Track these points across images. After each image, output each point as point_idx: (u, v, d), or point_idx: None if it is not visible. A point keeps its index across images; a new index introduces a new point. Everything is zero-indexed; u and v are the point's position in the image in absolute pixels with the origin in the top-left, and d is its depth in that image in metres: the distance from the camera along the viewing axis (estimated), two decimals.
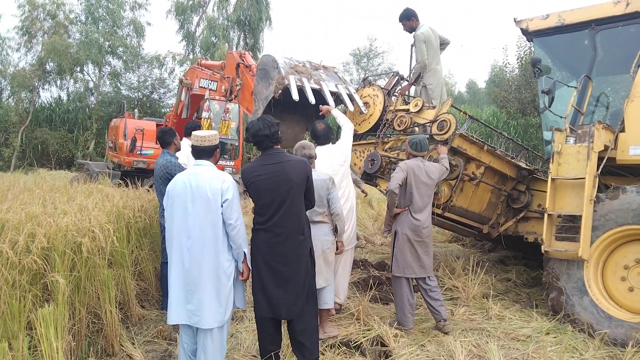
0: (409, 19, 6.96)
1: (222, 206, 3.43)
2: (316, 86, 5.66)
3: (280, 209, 3.58)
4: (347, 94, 5.96)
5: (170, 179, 4.91)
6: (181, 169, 5.06)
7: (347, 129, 5.26)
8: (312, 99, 5.45)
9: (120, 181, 7.74)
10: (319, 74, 5.94)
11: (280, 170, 3.61)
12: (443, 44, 7.10)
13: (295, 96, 5.34)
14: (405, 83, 6.88)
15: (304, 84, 5.50)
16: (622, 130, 5.25)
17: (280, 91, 5.43)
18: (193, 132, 3.66)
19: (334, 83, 5.92)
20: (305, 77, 5.63)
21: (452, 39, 7.25)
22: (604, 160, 5.06)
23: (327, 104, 5.66)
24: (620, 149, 5.21)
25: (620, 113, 5.37)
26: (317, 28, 70.97)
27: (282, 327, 3.82)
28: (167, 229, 3.59)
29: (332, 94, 5.79)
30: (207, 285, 3.43)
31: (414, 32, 6.88)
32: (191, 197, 3.46)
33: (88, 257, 3.97)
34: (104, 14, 23.58)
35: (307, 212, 4.43)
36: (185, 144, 5.69)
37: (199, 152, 3.62)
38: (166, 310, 4.91)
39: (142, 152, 10.58)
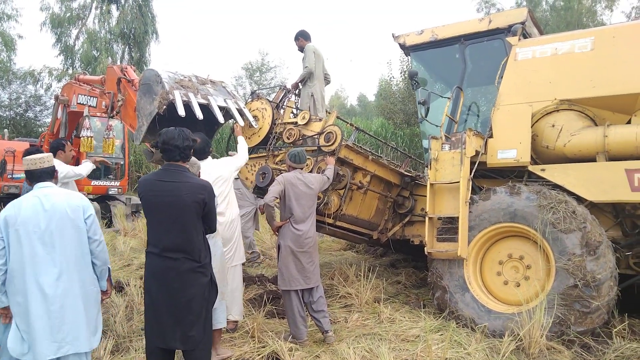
0: (300, 38, 7.29)
1: (85, 223, 3.31)
2: (204, 101, 5.51)
3: (170, 231, 3.34)
4: (237, 109, 5.87)
5: None
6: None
7: (241, 159, 5.30)
8: (199, 114, 5.29)
9: None
10: (207, 89, 5.79)
11: (174, 190, 3.36)
12: (326, 77, 7.44)
13: (182, 112, 5.15)
14: (292, 97, 6.97)
15: (190, 99, 5.32)
16: (491, 137, 5.69)
17: (164, 106, 5.22)
18: (25, 157, 3.47)
19: (222, 98, 5.80)
20: (192, 92, 5.46)
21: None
22: (476, 165, 5.45)
23: (216, 119, 5.56)
24: (490, 154, 5.64)
25: (489, 121, 5.82)
26: (207, 42, 69.98)
27: (174, 357, 3.59)
28: (10, 264, 3.21)
29: (221, 108, 5.67)
30: (78, 309, 3.26)
31: (304, 49, 7.16)
32: (46, 221, 3.22)
33: None
34: None
35: None
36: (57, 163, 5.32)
37: (41, 175, 3.41)
38: None
39: (13, 177, 9.69)
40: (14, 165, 9.87)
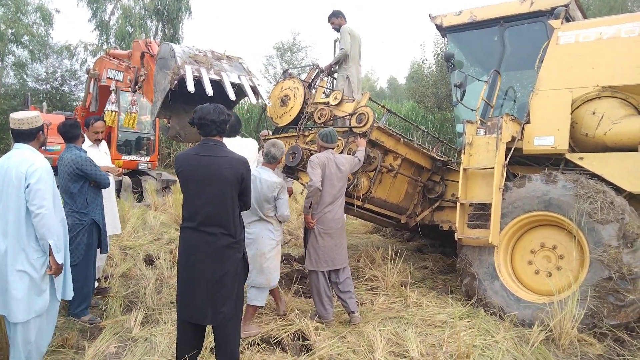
0: (337, 17, 7.20)
1: (24, 191, 3.33)
2: (216, 77, 5.38)
3: (207, 205, 3.32)
4: (251, 86, 5.75)
5: (82, 175, 4.66)
6: (93, 163, 4.76)
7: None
8: (209, 90, 5.16)
9: None
10: (221, 64, 5.68)
11: (213, 164, 3.34)
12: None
13: (191, 87, 5.01)
14: (325, 77, 6.90)
15: (201, 75, 5.23)
16: (528, 122, 5.54)
17: (176, 82, 5.15)
18: (11, 115, 3.56)
19: (236, 74, 5.65)
20: (205, 68, 5.36)
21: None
22: (512, 151, 5.32)
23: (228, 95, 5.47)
24: (526, 140, 5.49)
25: (526, 106, 5.66)
26: (239, 19, 69.93)
27: (205, 331, 3.62)
28: None
29: (234, 85, 5.56)
30: (12, 277, 3.32)
31: (340, 30, 7.07)
32: (1, 182, 3.36)
33: None
34: None
35: (255, 210, 4.49)
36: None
37: (17, 135, 3.51)
38: (73, 317, 4.66)
39: (47, 148, 9.92)
40: (47, 137, 10.07)
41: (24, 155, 3.43)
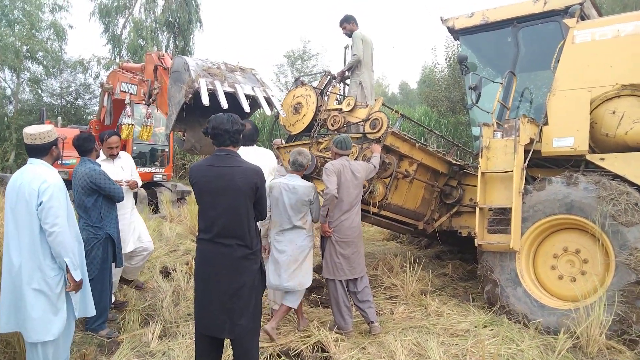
0: (348, 23, 7.12)
1: (37, 209, 3.28)
2: (230, 89, 5.39)
3: (221, 216, 3.27)
4: (265, 97, 5.75)
5: (96, 189, 4.65)
6: (107, 177, 4.75)
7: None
8: (224, 104, 5.17)
9: None
10: (235, 76, 5.69)
11: (227, 175, 3.30)
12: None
13: (206, 100, 5.02)
14: (337, 84, 6.85)
15: (215, 88, 5.22)
16: (546, 124, 5.43)
17: (190, 95, 5.16)
18: (24, 130, 3.51)
19: (250, 86, 5.66)
20: (219, 80, 5.36)
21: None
22: (530, 153, 5.21)
23: (242, 107, 5.46)
24: (545, 142, 5.38)
25: (544, 107, 5.55)
26: (250, 29, 70.40)
27: (223, 343, 3.56)
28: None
29: (248, 97, 5.55)
30: (28, 295, 3.28)
31: (352, 35, 7.00)
32: (15, 198, 3.32)
33: None
34: (20, 16, 22.14)
35: (289, 218, 4.59)
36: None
37: (30, 151, 3.48)
38: (90, 331, 4.64)
39: (63, 162, 10.00)
40: (63, 152, 10.16)
41: (36, 171, 3.40)
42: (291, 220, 4.64)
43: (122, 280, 5.58)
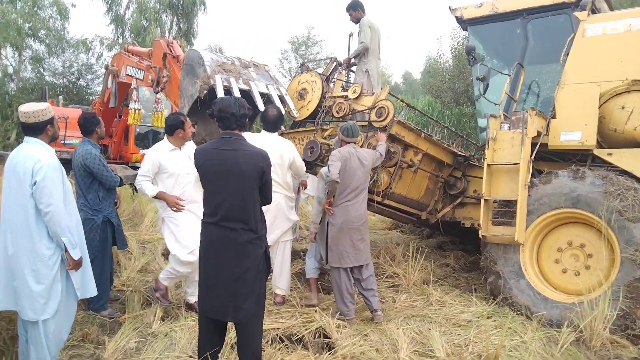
0: (355, 9, 7.01)
1: (31, 188, 3.23)
2: (245, 87, 5.36)
3: (226, 200, 3.24)
4: (278, 95, 5.71)
5: (90, 173, 4.60)
6: (102, 162, 4.66)
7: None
8: (260, 105, 5.19)
9: None
10: (249, 73, 5.66)
11: (232, 158, 3.26)
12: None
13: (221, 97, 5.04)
14: (343, 71, 6.79)
15: (231, 84, 5.18)
16: (554, 117, 5.40)
17: (205, 91, 5.12)
18: (19, 108, 3.43)
19: (264, 83, 5.64)
20: (234, 77, 5.32)
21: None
22: (537, 146, 5.18)
23: (256, 105, 5.43)
24: (552, 135, 5.36)
25: (552, 100, 5.51)
26: (254, 13, 69.88)
27: (226, 327, 3.56)
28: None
29: (263, 95, 5.52)
30: (24, 273, 3.24)
31: (359, 22, 6.91)
32: (9, 176, 3.29)
33: None
34: None
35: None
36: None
37: (25, 129, 3.41)
38: (92, 311, 4.64)
39: (66, 142, 9.97)
40: (66, 132, 10.12)
41: (31, 150, 3.32)
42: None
43: None
